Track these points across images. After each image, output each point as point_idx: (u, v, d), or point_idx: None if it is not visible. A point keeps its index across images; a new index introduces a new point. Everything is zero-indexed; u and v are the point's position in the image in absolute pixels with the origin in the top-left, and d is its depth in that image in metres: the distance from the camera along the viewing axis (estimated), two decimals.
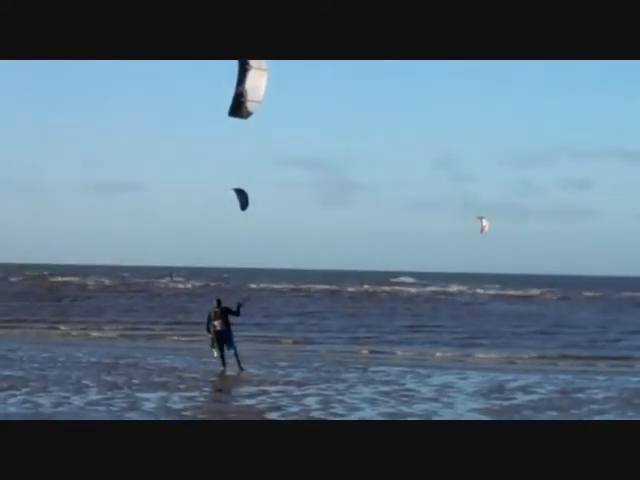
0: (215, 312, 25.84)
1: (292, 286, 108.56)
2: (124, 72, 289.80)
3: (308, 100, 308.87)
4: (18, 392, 20.62)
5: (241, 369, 25.71)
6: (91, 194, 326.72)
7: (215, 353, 25.98)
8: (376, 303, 77.80)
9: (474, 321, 54.97)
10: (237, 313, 25.91)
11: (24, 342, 35.04)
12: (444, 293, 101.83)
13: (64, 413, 17.80)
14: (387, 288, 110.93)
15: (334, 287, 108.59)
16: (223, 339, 25.77)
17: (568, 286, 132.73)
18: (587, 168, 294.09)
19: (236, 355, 25.82)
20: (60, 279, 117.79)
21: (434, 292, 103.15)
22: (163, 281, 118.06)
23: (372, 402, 20.41)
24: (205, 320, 26.22)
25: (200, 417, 17.72)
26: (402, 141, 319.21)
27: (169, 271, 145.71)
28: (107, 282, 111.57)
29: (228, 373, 25.38)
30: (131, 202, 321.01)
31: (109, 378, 23.53)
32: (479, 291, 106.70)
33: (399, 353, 34.99)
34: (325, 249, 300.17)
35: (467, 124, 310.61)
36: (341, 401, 20.42)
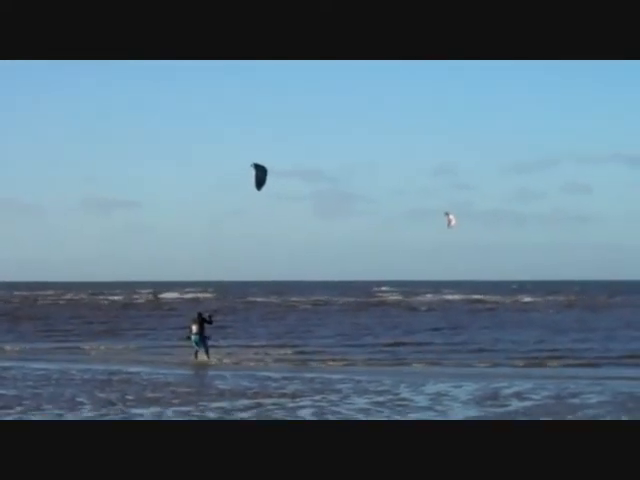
0: (194, 320, 34.95)
1: (321, 298, 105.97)
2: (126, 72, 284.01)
3: (307, 112, 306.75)
4: (12, 411, 20.57)
5: (208, 357, 34.37)
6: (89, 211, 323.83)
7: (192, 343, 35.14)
8: (417, 314, 73.25)
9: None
10: (210, 322, 35.24)
11: (17, 359, 34.93)
12: (481, 302, 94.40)
13: None
14: (421, 298, 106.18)
15: (365, 299, 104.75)
16: (197, 338, 34.46)
17: (586, 292, 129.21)
18: (589, 174, 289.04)
19: (207, 351, 34.60)
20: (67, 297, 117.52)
21: (469, 300, 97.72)
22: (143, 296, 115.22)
23: (366, 412, 20.43)
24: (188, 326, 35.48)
25: None
26: (400, 152, 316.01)
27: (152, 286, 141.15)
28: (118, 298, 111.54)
29: (212, 361, 34.09)
30: (130, 219, 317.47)
31: (103, 395, 23.50)
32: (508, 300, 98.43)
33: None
34: (330, 259, 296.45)
35: (465, 131, 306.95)
36: (335, 412, 20.44)
